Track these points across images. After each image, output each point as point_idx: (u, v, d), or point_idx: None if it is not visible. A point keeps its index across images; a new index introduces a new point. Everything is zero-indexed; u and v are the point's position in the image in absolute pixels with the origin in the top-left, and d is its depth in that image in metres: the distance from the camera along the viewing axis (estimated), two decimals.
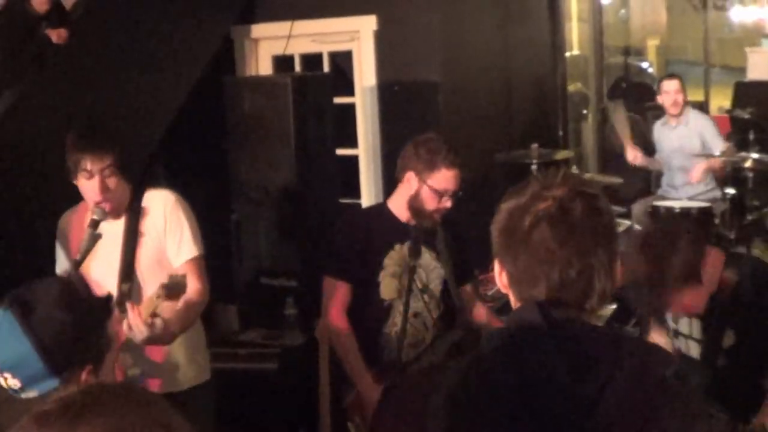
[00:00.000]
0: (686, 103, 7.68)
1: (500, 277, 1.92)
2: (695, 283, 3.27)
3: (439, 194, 3.98)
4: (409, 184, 4.03)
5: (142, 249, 3.79)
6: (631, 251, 3.37)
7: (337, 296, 4.16)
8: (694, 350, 3.56)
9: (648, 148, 8.09)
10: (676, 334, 3.61)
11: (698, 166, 7.30)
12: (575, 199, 1.83)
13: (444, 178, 3.96)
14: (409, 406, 1.84)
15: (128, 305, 3.40)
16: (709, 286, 3.32)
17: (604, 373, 1.68)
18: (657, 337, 3.81)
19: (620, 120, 8.12)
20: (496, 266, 1.92)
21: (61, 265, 3.90)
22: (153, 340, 3.45)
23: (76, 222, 3.83)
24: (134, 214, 3.78)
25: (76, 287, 2.41)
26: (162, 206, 3.79)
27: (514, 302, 1.90)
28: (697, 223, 6.32)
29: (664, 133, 7.65)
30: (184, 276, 3.45)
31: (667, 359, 1.80)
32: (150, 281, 3.73)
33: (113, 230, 3.77)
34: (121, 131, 5.65)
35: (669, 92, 7.54)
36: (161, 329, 3.40)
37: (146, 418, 1.30)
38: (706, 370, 3.44)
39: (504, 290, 1.94)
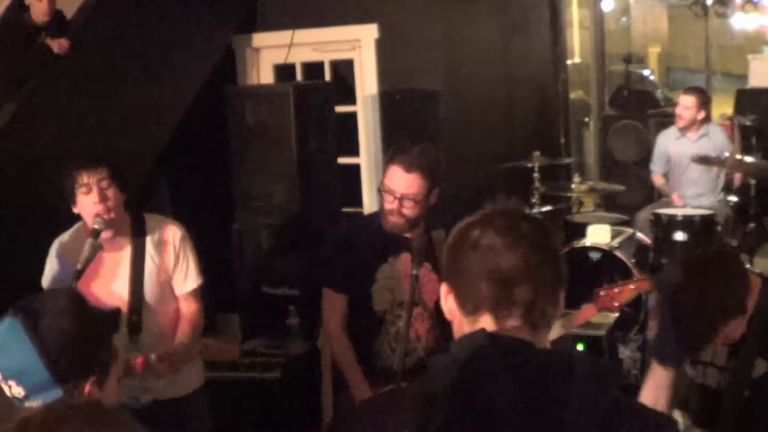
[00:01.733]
0: (707, 117, 7.64)
1: (446, 301, 1.93)
2: (742, 316, 3.20)
3: (390, 193, 3.95)
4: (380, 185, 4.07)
5: (151, 280, 3.89)
6: (671, 283, 3.24)
7: (335, 308, 4.19)
8: (712, 378, 3.43)
9: (647, 156, 8.09)
10: (694, 362, 3.52)
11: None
12: (524, 219, 1.89)
13: (392, 175, 3.92)
14: None
15: (157, 356, 3.53)
16: (748, 314, 3.25)
17: (559, 400, 1.67)
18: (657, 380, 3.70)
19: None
20: (443, 290, 1.93)
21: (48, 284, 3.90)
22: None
23: (73, 245, 3.86)
24: (139, 244, 3.89)
25: (84, 299, 2.41)
26: (171, 240, 3.96)
27: (458, 327, 1.90)
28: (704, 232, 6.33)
29: (681, 145, 7.55)
30: (229, 346, 3.77)
31: (618, 376, 1.80)
32: (155, 308, 3.90)
33: (116, 258, 3.85)
34: (122, 142, 5.69)
35: (679, 105, 7.56)
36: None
37: None
38: (731, 401, 3.35)
39: (450, 316, 1.93)
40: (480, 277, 1.83)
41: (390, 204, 3.97)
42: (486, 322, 1.82)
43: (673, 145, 7.60)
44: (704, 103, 7.47)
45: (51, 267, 3.89)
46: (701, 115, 7.42)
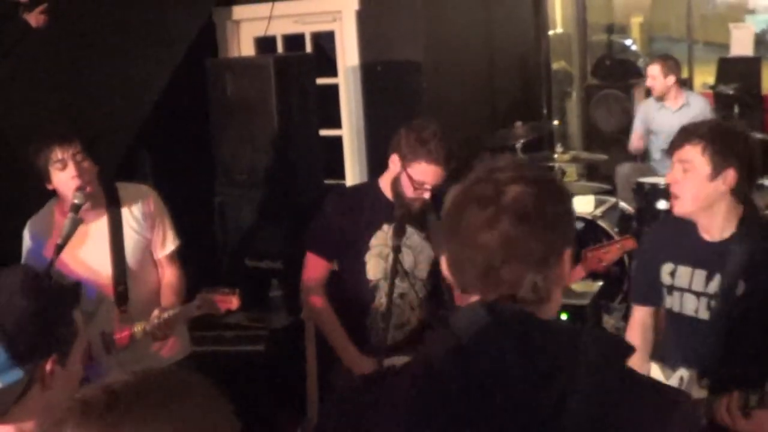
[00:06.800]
0: (681, 84, 7.64)
1: (447, 270, 1.85)
2: None
3: (417, 184, 3.92)
4: (394, 165, 4.00)
5: (131, 246, 3.89)
6: None
7: (314, 270, 4.18)
8: (689, 304, 3.47)
9: (630, 125, 8.10)
10: (671, 289, 3.53)
11: None
12: (512, 181, 1.74)
13: (423, 170, 3.89)
14: (350, 422, 1.76)
15: (156, 315, 3.63)
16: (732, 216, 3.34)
17: (563, 371, 1.62)
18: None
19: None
20: (443, 259, 1.88)
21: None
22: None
23: (45, 222, 3.85)
24: (115, 213, 3.87)
25: (40, 275, 2.34)
26: (144, 203, 3.95)
27: (457, 295, 1.84)
28: None
29: (662, 116, 7.52)
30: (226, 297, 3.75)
31: (626, 348, 1.72)
32: (139, 275, 3.90)
33: (92, 230, 3.83)
34: (103, 116, 5.65)
35: (647, 77, 7.60)
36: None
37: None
38: (719, 323, 3.36)
39: (451, 284, 1.88)
40: (463, 259, 1.75)
41: (419, 192, 3.94)
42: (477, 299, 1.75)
43: (653, 116, 7.61)
44: (671, 68, 7.49)
45: (26, 248, 3.87)
46: (671, 80, 7.45)
